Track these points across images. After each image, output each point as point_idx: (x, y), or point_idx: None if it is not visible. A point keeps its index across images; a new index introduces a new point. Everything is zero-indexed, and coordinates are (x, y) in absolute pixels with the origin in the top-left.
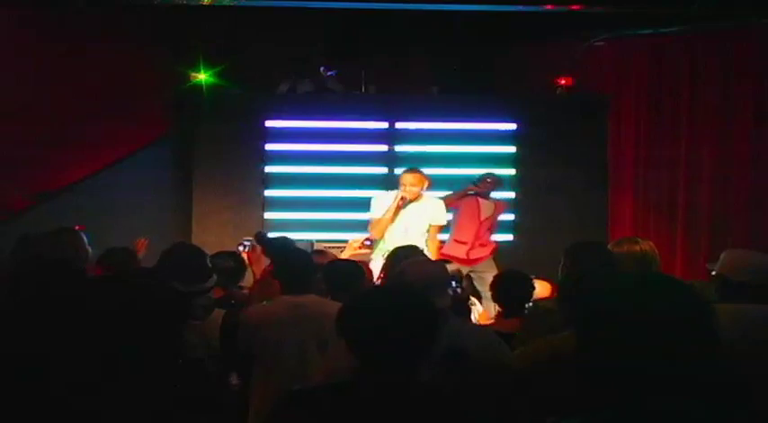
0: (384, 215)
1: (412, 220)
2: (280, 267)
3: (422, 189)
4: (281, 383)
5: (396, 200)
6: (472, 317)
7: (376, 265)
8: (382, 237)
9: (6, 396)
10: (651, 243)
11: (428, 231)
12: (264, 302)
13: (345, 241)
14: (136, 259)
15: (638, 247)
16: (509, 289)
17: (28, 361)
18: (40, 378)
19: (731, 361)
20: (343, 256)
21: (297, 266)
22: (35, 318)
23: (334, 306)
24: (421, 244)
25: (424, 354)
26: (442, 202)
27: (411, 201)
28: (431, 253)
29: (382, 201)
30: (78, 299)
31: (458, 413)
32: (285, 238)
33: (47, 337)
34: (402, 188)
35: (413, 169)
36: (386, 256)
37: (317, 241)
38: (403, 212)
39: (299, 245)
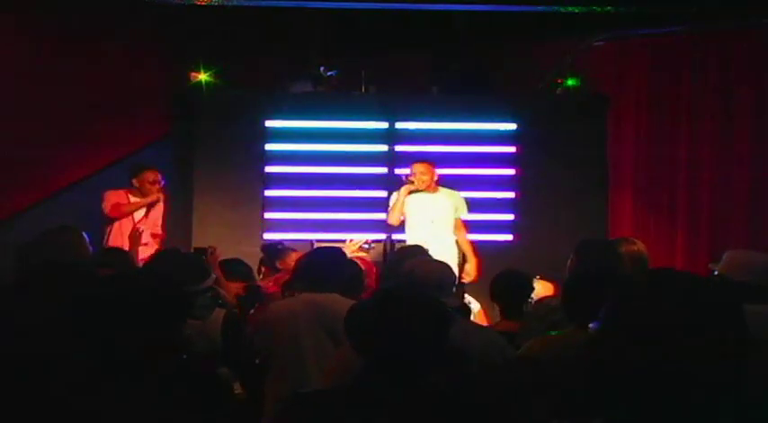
0: (396, 200)
1: (436, 212)
2: (307, 265)
3: (432, 179)
4: (297, 379)
5: (405, 189)
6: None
7: None
8: (397, 223)
9: (6, 396)
10: (642, 243)
11: (454, 224)
12: (285, 299)
13: (344, 241)
14: (134, 260)
15: (635, 247)
16: (508, 289)
17: (28, 361)
18: (39, 378)
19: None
20: None
21: (319, 264)
22: (36, 317)
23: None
24: (448, 236)
25: (432, 354)
26: (461, 196)
27: (422, 190)
28: (463, 246)
29: (399, 192)
30: (79, 298)
31: (463, 413)
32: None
33: (47, 336)
34: (413, 177)
35: (422, 160)
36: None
37: (317, 241)
38: (426, 204)
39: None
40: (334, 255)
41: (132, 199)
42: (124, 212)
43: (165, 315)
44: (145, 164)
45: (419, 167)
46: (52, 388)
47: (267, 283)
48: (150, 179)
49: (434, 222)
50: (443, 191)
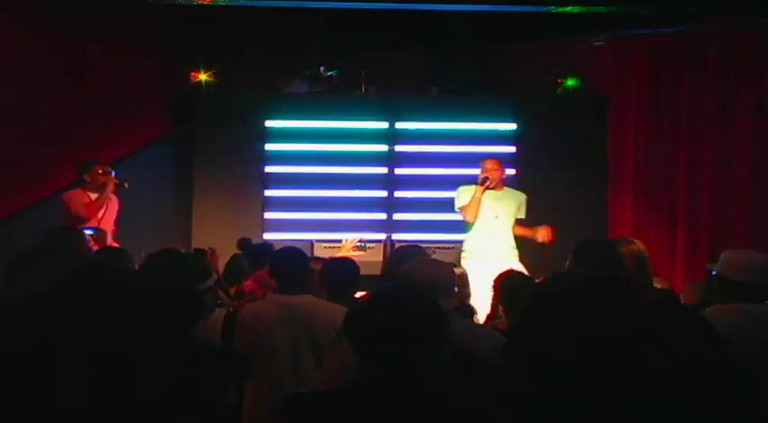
0: (473, 197)
1: (501, 209)
2: (274, 266)
3: (502, 176)
4: (273, 382)
5: (480, 182)
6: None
7: (469, 269)
8: (475, 219)
9: (8, 396)
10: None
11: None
12: (258, 301)
13: (340, 241)
14: (130, 260)
15: (635, 247)
16: (512, 290)
17: (35, 361)
18: (44, 379)
19: (731, 361)
20: (337, 256)
21: (290, 266)
22: (43, 317)
23: (327, 306)
24: (509, 233)
25: (432, 355)
26: (525, 197)
27: (493, 188)
28: (523, 230)
29: (467, 190)
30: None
31: (466, 414)
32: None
33: (53, 336)
34: (486, 173)
35: (491, 157)
36: (469, 252)
37: (317, 241)
38: (492, 200)
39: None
40: (300, 254)
41: (91, 196)
42: (95, 209)
43: (174, 316)
44: (90, 159)
45: (492, 164)
46: (59, 389)
47: (247, 283)
48: (100, 171)
49: (498, 218)
50: (507, 189)
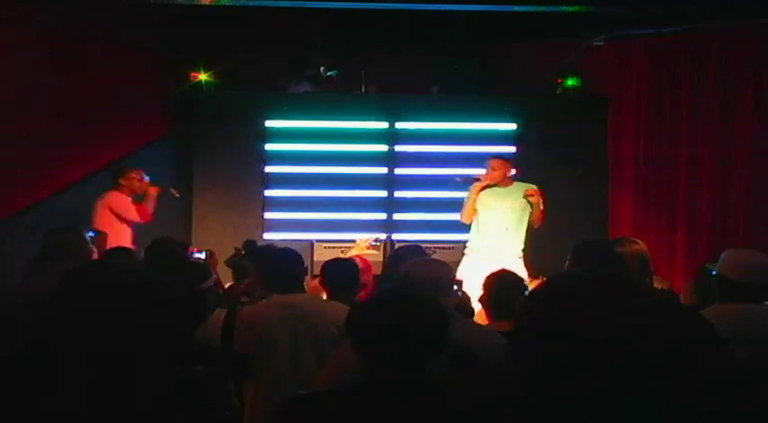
0: (468, 200)
1: (507, 204)
2: (270, 267)
3: (506, 173)
4: (274, 382)
5: (475, 186)
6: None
7: (468, 266)
8: (469, 219)
9: (8, 397)
10: (642, 242)
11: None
12: (261, 301)
13: (346, 241)
14: (137, 261)
15: (638, 247)
16: (503, 290)
17: (35, 362)
18: (44, 379)
19: (731, 360)
20: (351, 254)
21: (286, 266)
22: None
23: (327, 305)
24: (518, 230)
25: (433, 355)
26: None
27: (495, 185)
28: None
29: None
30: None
31: (466, 414)
32: (271, 246)
33: (53, 336)
34: (483, 175)
35: (496, 156)
36: (477, 253)
37: (317, 241)
38: (496, 198)
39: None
40: (295, 254)
41: (128, 199)
42: (151, 213)
43: (179, 316)
44: (126, 165)
45: (492, 163)
46: (59, 388)
47: (246, 282)
48: (138, 177)
49: (505, 213)
50: (518, 184)
